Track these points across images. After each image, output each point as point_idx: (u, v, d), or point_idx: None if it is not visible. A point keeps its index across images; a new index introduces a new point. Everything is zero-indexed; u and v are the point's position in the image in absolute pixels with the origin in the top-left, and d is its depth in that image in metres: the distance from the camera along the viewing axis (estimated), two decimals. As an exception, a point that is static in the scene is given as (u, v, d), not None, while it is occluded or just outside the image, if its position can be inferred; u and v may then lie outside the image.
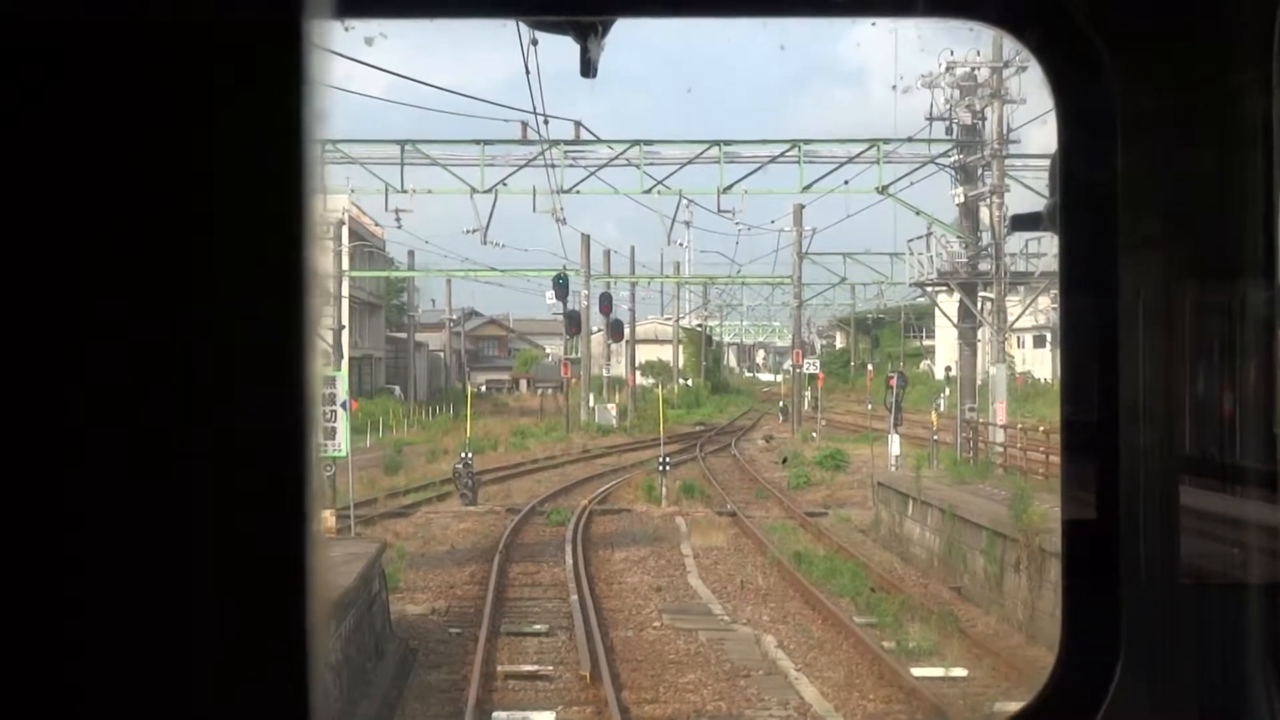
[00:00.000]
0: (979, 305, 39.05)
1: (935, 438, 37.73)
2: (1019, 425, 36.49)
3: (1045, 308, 52.89)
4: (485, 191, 41.13)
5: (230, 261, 1.43)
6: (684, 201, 45.14)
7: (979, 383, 39.90)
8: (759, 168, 40.78)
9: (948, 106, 38.40)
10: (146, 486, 1.42)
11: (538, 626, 21.05)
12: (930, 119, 38.81)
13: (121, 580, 1.42)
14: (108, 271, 1.42)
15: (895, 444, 36.82)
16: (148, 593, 1.42)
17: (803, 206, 58.03)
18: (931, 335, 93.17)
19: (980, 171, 38.38)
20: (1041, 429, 33.17)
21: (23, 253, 1.41)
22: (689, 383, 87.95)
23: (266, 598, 1.43)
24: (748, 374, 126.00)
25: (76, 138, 1.41)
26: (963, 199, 38.98)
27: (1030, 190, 36.46)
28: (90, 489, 1.42)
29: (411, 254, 66.47)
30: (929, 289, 43.52)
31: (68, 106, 1.41)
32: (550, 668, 18.60)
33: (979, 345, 40.57)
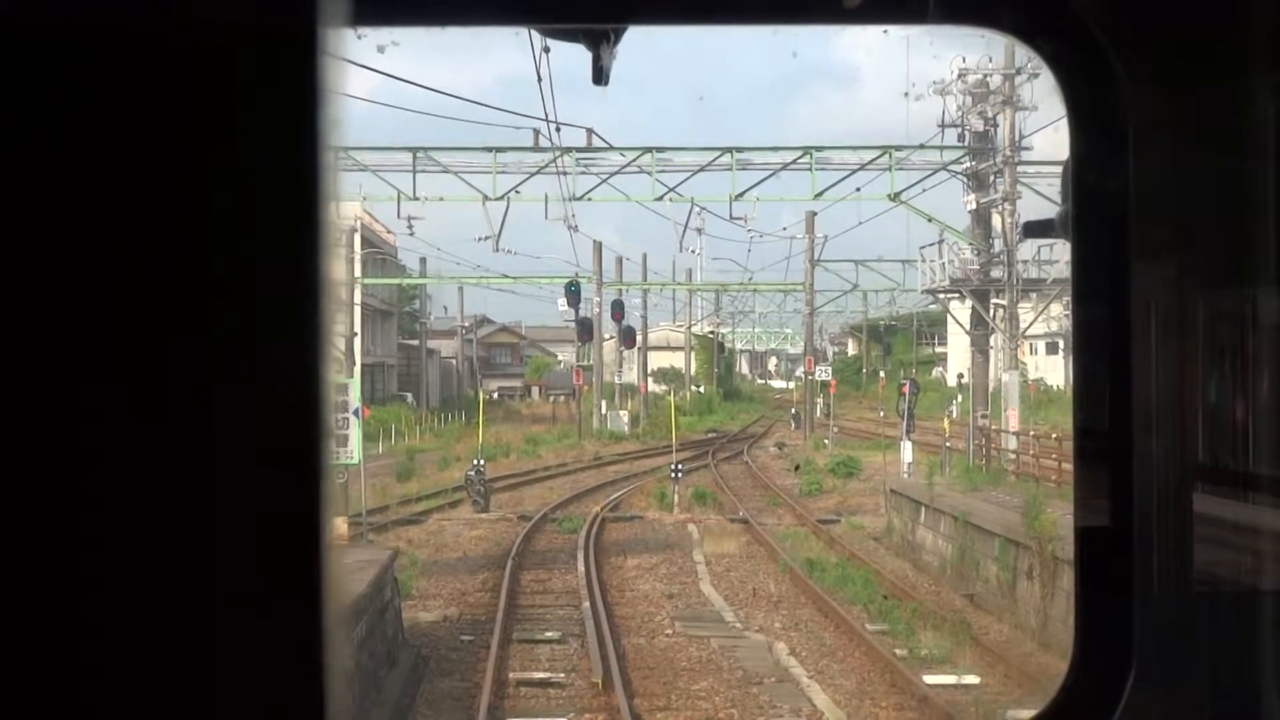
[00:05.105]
0: (991, 312, 38.99)
1: (948, 445, 37.64)
2: (1031, 432, 36.39)
3: (1057, 315, 52.74)
4: (497, 199, 41.13)
5: (245, 268, 1.43)
6: (696, 209, 45.22)
7: (991, 390, 39.82)
8: (771, 175, 40.78)
9: (960, 113, 38.38)
10: (160, 493, 1.42)
11: (550, 634, 21.02)
12: (942, 126, 38.83)
13: (137, 586, 1.42)
14: (120, 277, 1.42)
15: (908, 451, 36.72)
16: (163, 598, 1.42)
17: (815, 213, 58.01)
18: (944, 342, 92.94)
19: (992, 178, 38.32)
20: (1054, 436, 33.07)
21: (29, 258, 1.41)
22: (701, 390, 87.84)
23: (281, 604, 1.43)
24: (760, 381, 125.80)
25: (89, 143, 1.41)
26: (975, 206, 38.91)
27: (1042, 197, 36.33)
28: (105, 495, 1.42)
29: (424, 261, 66.57)
30: (941, 296, 43.46)
31: (83, 111, 1.41)
32: (562, 675, 18.57)
33: (991, 352, 40.50)
